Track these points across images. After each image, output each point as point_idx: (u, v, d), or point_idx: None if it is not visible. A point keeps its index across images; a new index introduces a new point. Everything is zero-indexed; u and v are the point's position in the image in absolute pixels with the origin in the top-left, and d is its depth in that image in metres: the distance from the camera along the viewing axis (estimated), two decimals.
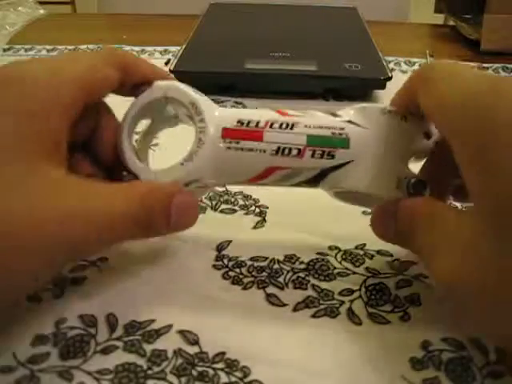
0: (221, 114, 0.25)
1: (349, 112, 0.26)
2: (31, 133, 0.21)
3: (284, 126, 0.25)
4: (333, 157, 0.25)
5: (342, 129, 0.25)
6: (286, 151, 0.25)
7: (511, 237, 0.17)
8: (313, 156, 0.25)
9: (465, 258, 0.19)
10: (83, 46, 0.59)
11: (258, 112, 0.26)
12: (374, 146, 0.25)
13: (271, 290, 0.25)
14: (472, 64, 0.56)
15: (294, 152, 0.25)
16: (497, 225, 0.18)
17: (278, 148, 0.25)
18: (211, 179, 0.25)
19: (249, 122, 0.25)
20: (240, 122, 0.25)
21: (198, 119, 0.25)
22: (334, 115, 0.26)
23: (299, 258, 0.27)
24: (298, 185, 0.26)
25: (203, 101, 0.25)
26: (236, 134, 0.25)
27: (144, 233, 0.23)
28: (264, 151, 0.25)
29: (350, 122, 0.25)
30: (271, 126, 0.25)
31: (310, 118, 0.25)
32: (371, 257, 0.27)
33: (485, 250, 0.18)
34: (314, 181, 0.25)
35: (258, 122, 0.25)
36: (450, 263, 0.20)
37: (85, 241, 0.21)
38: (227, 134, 0.25)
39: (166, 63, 0.54)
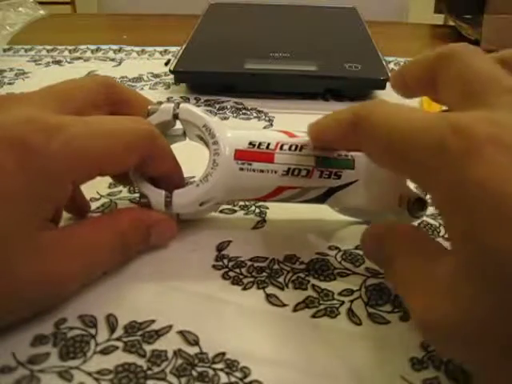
0: (233, 135, 0.27)
1: None
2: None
3: (293, 147, 0.26)
4: (339, 177, 0.26)
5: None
6: (296, 172, 0.26)
7: (485, 285, 0.16)
8: (321, 176, 0.26)
9: (439, 298, 0.18)
10: (83, 46, 0.59)
11: (268, 134, 0.27)
12: (377, 166, 0.26)
13: (271, 290, 0.25)
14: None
15: (304, 173, 0.26)
16: (472, 270, 0.17)
17: (289, 169, 0.26)
18: (225, 197, 0.27)
19: (260, 144, 0.26)
20: (251, 143, 0.26)
21: (212, 141, 0.26)
22: None
23: (299, 258, 0.27)
24: (306, 202, 0.27)
25: (215, 123, 0.27)
26: (248, 155, 0.26)
27: (124, 258, 0.26)
28: (275, 172, 0.26)
29: None
30: (281, 148, 0.26)
31: None
32: None
33: (461, 292, 0.17)
34: (321, 199, 0.27)
35: (268, 144, 0.26)
36: (424, 302, 0.19)
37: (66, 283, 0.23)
38: (240, 155, 0.26)
39: (166, 63, 0.54)
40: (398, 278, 0.21)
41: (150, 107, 0.27)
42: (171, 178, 0.27)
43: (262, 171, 0.26)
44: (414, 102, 0.46)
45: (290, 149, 0.26)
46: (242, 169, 0.26)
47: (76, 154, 0.22)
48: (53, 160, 0.21)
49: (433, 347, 0.22)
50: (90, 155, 0.23)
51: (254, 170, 0.26)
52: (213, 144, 0.26)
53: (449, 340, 0.18)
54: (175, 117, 0.27)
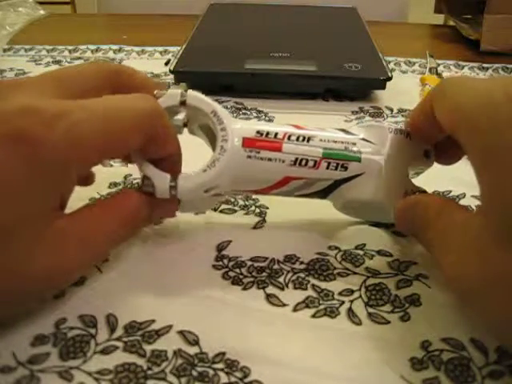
0: (240, 124, 0.27)
1: (358, 129, 0.28)
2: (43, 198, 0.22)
3: (301, 138, 0.27)
4: (346, 169, 0.27)
5: (354, 144, 0.27)
6: (303, 162, 0.26)
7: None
8: (328, 168, 0.26)
9: (468, 254, 0.20)
10: (83, 46, 0.59)
11: (276, 125, 0.28)
12: (382, 160, 0.27)
13: (271, 290, 0.25)
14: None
15: (311, 163, 0.26)
16: (503, 226, 0.19)
17: (296, 159, 0.26)
18: (230, 186, 0.27)
19: (268, 133, 0.26)
20: (259, 132, 0.26)
21: (220, 128, 0.26)
22: (345, 132, 0.28)
23: (299, 258, 0.27)
24: (310, 195, 0.28)
25: (223, 110, 0.26)
26: (256, 143, 0.26)
27: (128, 238, 0.26)
28: (283, 161, 0.26)
29: (360, 137, 0.27)
30: (289, 138, 0.26)
31: (324, 133, 0.27)
32: (371, 257, 0.27)
33: (488, 249, 0.19)
34: (327, 191, 0.27)
35: (276, 134, 0.26)
36: (454, 258, 0.21)
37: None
38: (248, 143, 0.26)
39: (166, 63, 0.54)
40: (435, 240, 0.23)
41: (156, 92, 0.27)
42: (173, 161, 0.26)
43: (269, 160, 0.26)
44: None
45: (297, 139, 0.26)
46: (249, 156, 0.26)
47: (79, 142, 0.22)
48: (55, 151, 0.21)
49: (433, 347, 0.22)
50: (93, 141, 0.22)
51: (261, 159, 0.26)
52: (221, 130, 0.26)
53: (474, 294, 0.20)
54: (182, 103, 0.26)
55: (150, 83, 0.28)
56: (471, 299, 0.21)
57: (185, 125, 0.28)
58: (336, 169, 0.26)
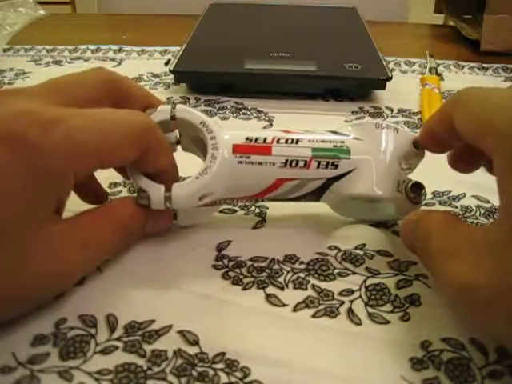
0: (229, 133, 0.27)
1: (347, 129, 0.29)
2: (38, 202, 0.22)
3: (290, 141, 0.27)
4: (336, 167, 0.27)
5: (343, 141, 0.27)
6: (294, 163, 0.27)
7: None
8: (318, 167, 0.27)
9: (482, 263, 0.20)
10: (83, 46, 0.59)
11: (263, 131, 0.28)
12: (372, 154, 0.28)
13: (271, 290, 0.25)
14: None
15: (301, 164, 0.27)
16: None
17: (286, 160, 0.27)
18: (224, 193, 0.27)
19: (257, 139, 0.27)
20: (248, 138, 0.27)
21: (210, 137, 0.26)
22: (334, 133, 0.28)
23: (299, 258, 0.27)
24: (303, 197, 0.28)
25: (212, 121, 0.27)
26: (246, 149, 0.27)
27: (124, 245, 0.27)
28: (273, 164, 0.27)
29: (349, 136, 0.28)
30: (278, 142, 0.27)
31: (311, 135, 0.28)
32: (371, 257, 0.27)
33: (506, 257, 0.19)
34: (320, 191, 0.28)
35: (265, 139, 0.27)
36: (465, 267, 0.20)
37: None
38: (238, 149, 0.26)
39: (166, 63, 0.54)
40: (436, 250, 0.22)
41: (147, 110, 0.27)
42: (168, 175, 0.27)
43: (260, 164, 0.26)
44: (414, 102, 0.46)
45: (286, 142, 0.27)
46: (240, 162, 0.26)
47: (74, 148, 0.22)
48: (51, 155, 0.21)
49: (433, 347, 0.22)
50: (89, 148, 0.22)
51: (252, 163, 0.26)
52: (211, 139, 0.26)
53: (489, 303, 0.19)
54: (172, 118, 0.27)
55: (146, 94, 0.29)
56: (481, 308, 0.20)
57: (178, 142, 0.28)
58: (327, 167, 0.27)
